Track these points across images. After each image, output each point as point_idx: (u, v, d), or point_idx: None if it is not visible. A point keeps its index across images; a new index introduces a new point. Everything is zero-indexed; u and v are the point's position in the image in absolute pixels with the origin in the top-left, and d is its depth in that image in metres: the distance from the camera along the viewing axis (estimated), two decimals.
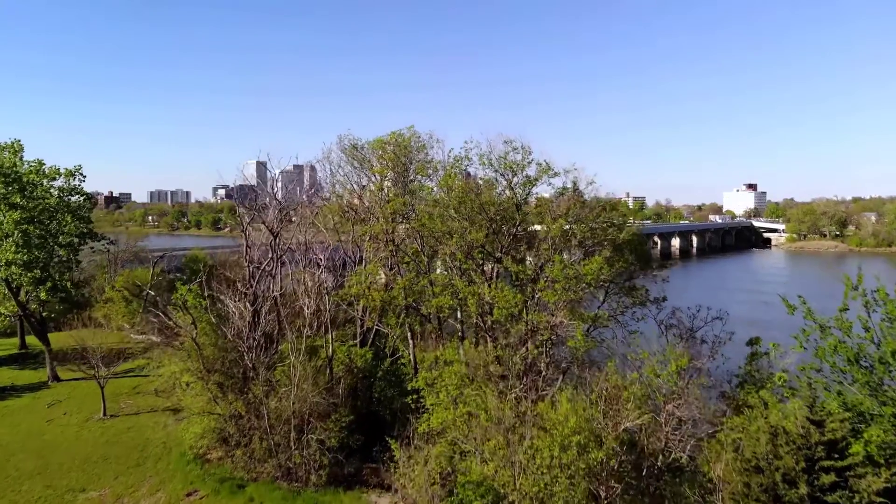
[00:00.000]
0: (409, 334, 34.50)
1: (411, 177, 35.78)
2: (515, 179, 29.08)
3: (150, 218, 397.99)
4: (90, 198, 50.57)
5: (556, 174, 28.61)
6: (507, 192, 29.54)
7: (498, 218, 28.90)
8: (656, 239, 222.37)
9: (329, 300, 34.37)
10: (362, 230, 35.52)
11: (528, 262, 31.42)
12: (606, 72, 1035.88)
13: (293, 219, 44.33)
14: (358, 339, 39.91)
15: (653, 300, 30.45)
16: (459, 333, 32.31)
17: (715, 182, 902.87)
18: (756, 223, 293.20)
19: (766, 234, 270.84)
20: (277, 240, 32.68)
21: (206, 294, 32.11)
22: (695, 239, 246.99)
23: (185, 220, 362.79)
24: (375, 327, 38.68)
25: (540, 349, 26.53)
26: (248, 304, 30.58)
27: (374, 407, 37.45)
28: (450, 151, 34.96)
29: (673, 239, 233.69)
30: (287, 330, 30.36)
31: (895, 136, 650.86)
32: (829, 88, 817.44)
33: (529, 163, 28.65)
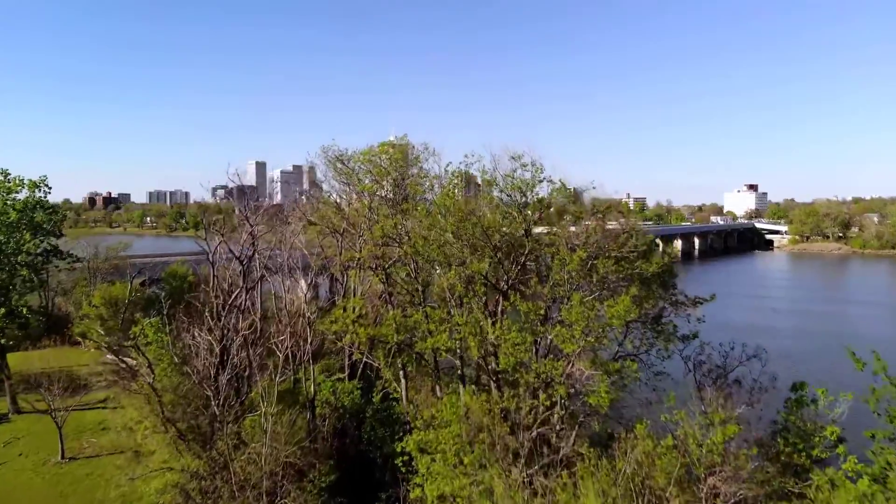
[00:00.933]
0: (401, 373, 30.43)
1: (404, 193, 31.63)
2: (524, 201, 25.03)
3: (148, 219, 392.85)
4: (56, 211, 46.32)
5: (571, 194, 24.59)
6: (515, 213, 25.40)
7: (503, 246, 24.81)
8: (658, 241, 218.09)
9: (311, 332, 30.43)
10: (348, 256, 31.48)
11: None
12: (606, 72, 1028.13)
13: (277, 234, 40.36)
14: (346, 373, 36.03)
15: (681, 337, 26.45)
16: (459, 372, 28.29)
17: (715, 182, 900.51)
18: (758, 224, 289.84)
19: (768, 236, 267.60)
20: (247, 269, 28.62)
21: (168, 329, 28.08)
22: (697, 241, 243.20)
23: (184, 221, 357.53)
24: (364, 359, 34.74)
25: (553, 400, 22.56)
26: (215, 340, 26.52)
27: (363, 447, 33.64)
28: (447, 165, 30.98)
29: (675, 241, 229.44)
30: (256, 374, 26.23)
31: (895, 136, 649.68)
32: (829, 88, 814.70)
33: (541, 181, 24.67)
